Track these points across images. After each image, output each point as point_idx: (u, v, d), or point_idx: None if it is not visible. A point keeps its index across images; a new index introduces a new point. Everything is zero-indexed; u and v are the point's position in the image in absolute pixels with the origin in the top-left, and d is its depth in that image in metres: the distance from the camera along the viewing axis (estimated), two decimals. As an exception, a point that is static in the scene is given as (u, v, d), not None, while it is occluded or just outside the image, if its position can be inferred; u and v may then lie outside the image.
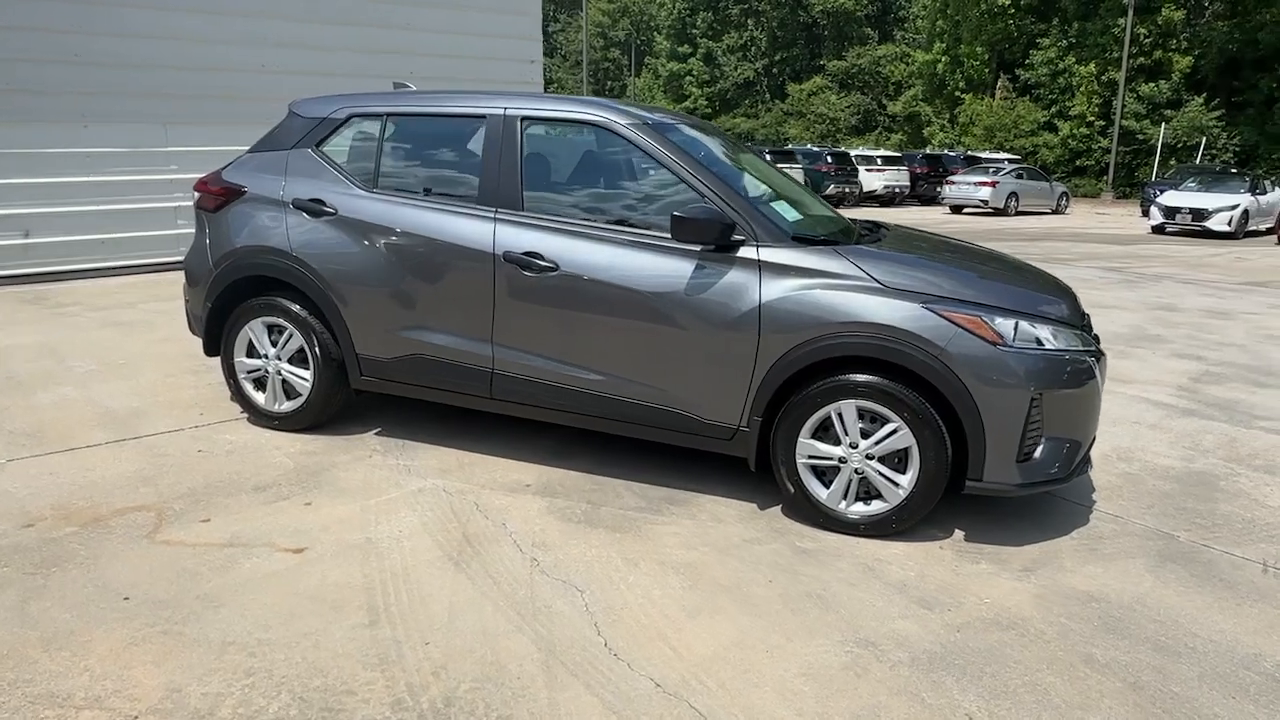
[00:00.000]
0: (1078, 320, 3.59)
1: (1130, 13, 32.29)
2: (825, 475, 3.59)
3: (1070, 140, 36.65)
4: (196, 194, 4.54)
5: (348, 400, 4.46)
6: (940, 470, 3.39)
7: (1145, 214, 25.92)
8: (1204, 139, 32.64)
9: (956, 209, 26.02)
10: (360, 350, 4.17)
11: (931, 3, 44.78)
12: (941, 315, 3.32)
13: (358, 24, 10.04)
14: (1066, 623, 2.98)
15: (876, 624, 2.93)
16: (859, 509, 3.55)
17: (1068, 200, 28.00)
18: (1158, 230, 20.72)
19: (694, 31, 57.84)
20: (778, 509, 3.78)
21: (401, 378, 4.16)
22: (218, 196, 4.40)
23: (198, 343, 5.60)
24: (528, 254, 3.78)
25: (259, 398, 4.46)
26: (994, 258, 4.15)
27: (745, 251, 3.54)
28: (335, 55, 9.88)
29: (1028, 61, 38.86)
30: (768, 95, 55.14)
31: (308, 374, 4.31)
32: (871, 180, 28.08)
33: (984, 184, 25.17)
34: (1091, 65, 35.82)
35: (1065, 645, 2.84)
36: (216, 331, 4.49)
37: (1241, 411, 5.50)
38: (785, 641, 2.80)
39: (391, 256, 4.00)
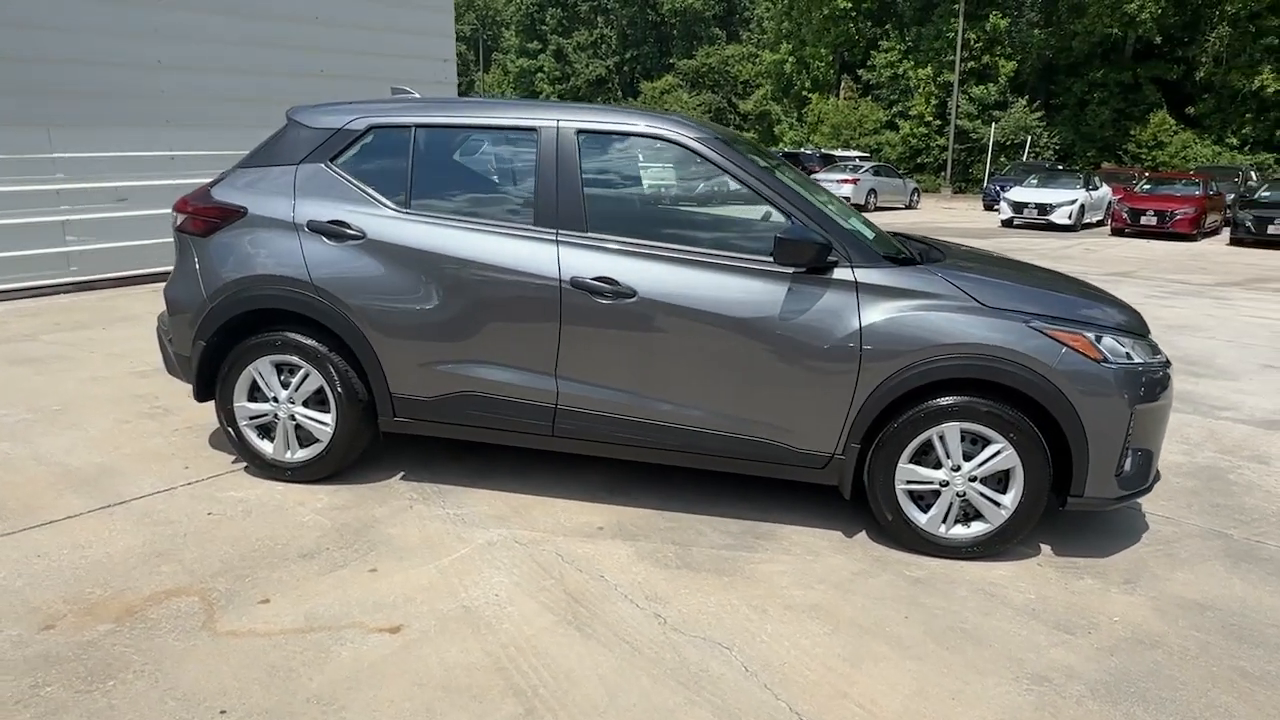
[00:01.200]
0: (1145, 331, 3.67)
1: (961, 19, 34.58)
2: (923, 499, 3.51)
3: (911, 138, 38.83)
4: (177, 215, 3.93)
5: (367, 446, 4.00)
6: (1043, 489, 3.38)
7: (988, 208, 27.93)
8: (1029, 138, 35.41)
9: (819, 206, 26.95)
10: (395, 389, 3.73)
11: (775, 5, 46.34)
12: (1047, 334, 3.31)
13: (264, 17, 9.16)
14: (1199, 635, 3.02)
15: (1034, 655, 2.86)
16: (959, 531, 3.49)
17: (918, 196, 29.64)
18: (1007, 224, 22.24)
19: (544, 28, 57.32)
20: (864, 535, 3.68)
21: (446, 417, 3.75)
22: (209, 219, 3.82)
23: (138, 380, 4.95)
24: (600, 279, 3.48)
25: (265, 447, 3.92)
26: (1048, 271, 4.20)
27: (840, 273, 3.40)
28: (237, 49, 8.98)
29: (869, 63, 40.89)
30: (620, 93, 55.38)
31: (328, 418, 3.82)
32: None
33: (846, 181, 26.21)
34: (928, 68, 38.10)
35: (1214, 660, 2.88)
36: (210, 373, 3.91)
37: (1199, 403, 5.89)
38: (963, 685, 2.69)
39: (434, 285, 3.59)
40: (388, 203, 3.69)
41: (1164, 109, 33.22)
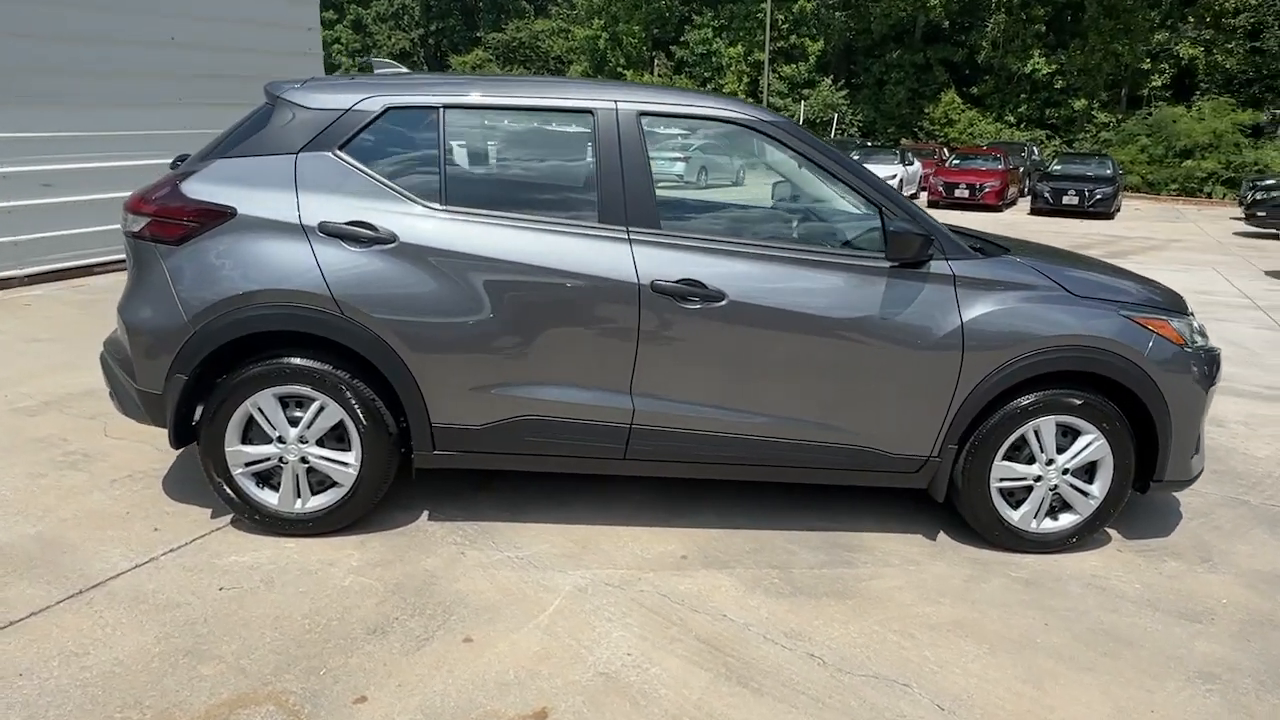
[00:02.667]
0: (1190, 312, 3.76)
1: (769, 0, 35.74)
2: (1013, 496, 3.41)
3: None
4: (133, 217, 3.13)
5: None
6: (1129, 477, 3.38)
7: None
8: (836, 115, 37.28)
9: (652, 183, 27.08)
10: (438, 419, 3.17)
11: (586, -21, 45.92)
12: (1138, 322, 3.28)
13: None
14: (1301, 609, 3.12)
15: (1185, 651, 2.83)
16: (1049, 525, 3.43)
17: (744, 173, 30.46)
18: (834, 198, 23.26)
19: (338, -4, 53.77)
20: (945, 536, 3.55)
21: (501, 447, 3.24)
22: (183, 222, 3.06)
23: (29, 420, 4.15)
24: (684, 282, 3.10)
25: (267, 497, 3.23)
26: (1087, 257, 4.20)
27: (936, 266, 3.21)
28: (74, 11, 7.55)
29: (682, 40, 41.45)
30: (425, 67, 53.08)
31: (349, 457, 3.20)
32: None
33: (678, 159, 26.43)
34: (739, 47, 39.14)
35: (1333, 634, 2.97)
36: (188, 412, 3.17)
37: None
38: (1148, 695, 2.61)
39: (486, 295, 3.06)
40: (419, 199, 3.10)
41: (952, 89, 35.91)
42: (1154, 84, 32.56)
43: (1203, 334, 3.51)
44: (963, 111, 35.90)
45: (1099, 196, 19.56)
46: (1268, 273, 11.43)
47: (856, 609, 2.99)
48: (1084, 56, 32.53)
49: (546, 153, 3.38)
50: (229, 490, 3.20)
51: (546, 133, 3.38)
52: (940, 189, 21.96)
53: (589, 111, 3.18)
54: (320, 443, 3.19)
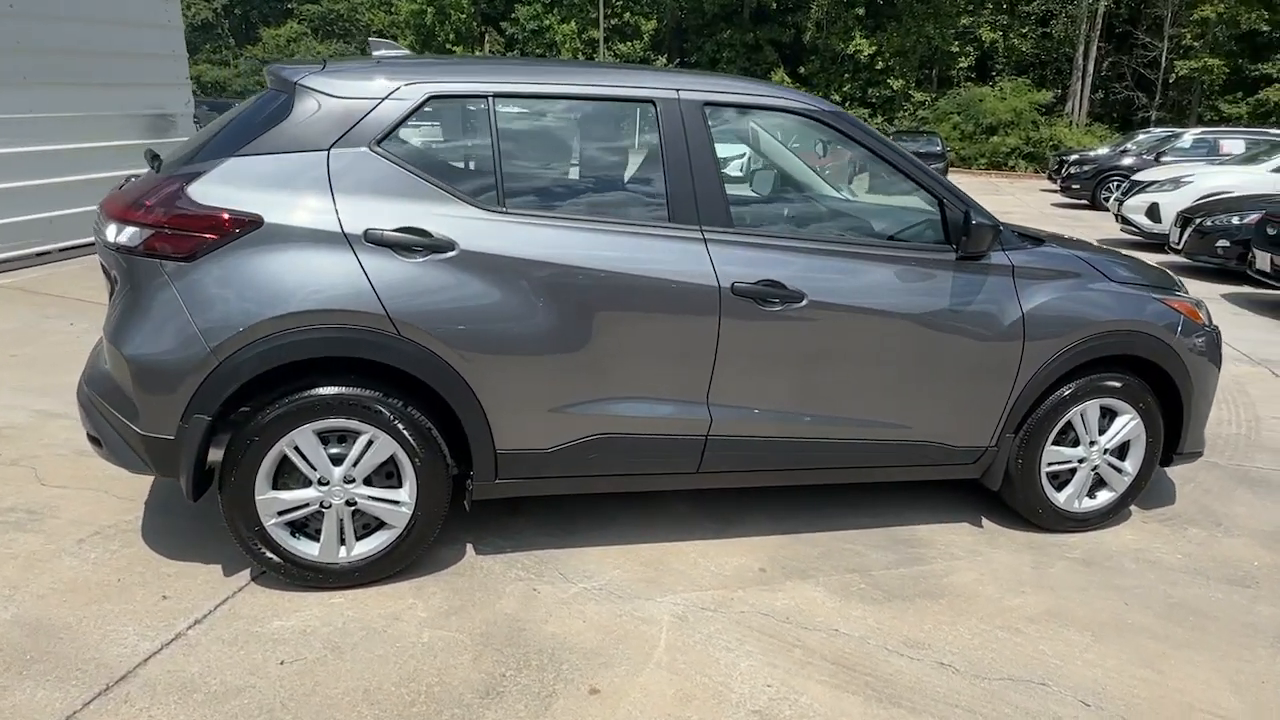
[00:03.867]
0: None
1: (602, -24, 35.51)
2: (1057, 478, 3.49)
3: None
4: (125, 228, 2.59)
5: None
6: (1157, 453, 3.54)
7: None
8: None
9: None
10: (503, 444, 2.85)
11: (406, -50, 43.91)
12: (1172, 306, 3.42)
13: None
14: (1318, 564, 3.38)
15: (1256, 619, 2.99)
16: (1088, 504, 3.55)
17: (750, 166, 30.20)
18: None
19: (123, -42, 48.65)
20: (987, 521, 3.59)
21: (569, 470, 2.96)
22: (196, 233, 2.56)
23: None
24: (764, 283, 2.93)
25: (306, 548, 2.80)
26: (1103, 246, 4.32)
27: (996, 256, 3.21)
28: None
29: (512, 15, 40.51)
30: (233, 40, 49.11)
31: (403, 495, 2.82)
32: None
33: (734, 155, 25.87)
34: (572, 23, 38.70)
35: (1357, 586, 3.23)
36: (204, 456, 2.68)
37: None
38: (1249, 665, 2.73)
39: (555, 306, 2.77)
40: (474, 201, 2.75)
41: (782, 68, 37.15)
42: (961, 65, 35.00)
43: (1209, 314, 3.72)
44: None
45: (933, 172, 20.81)
46: (1099, 240, 12.52)
47: (953, 608, 2.96)
48: (900, 39, 34.51)
49: (607, 147, 3.09)
50: (260, 545, 2.75)
51: (605, 125, 3.09)
52: (787, 166, 22.70)
53: (650, 101, 2.93)
54: (368, 481, 2.80)
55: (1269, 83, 29.18)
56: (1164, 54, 32.61)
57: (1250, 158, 12.14)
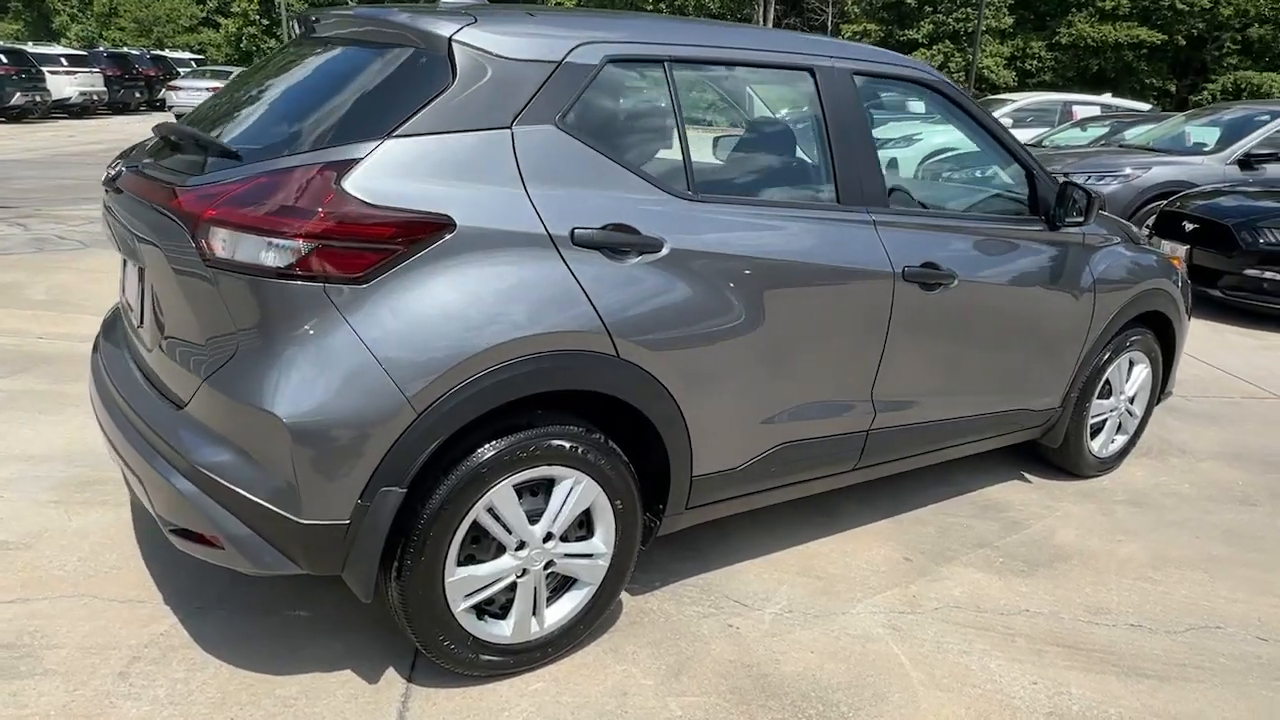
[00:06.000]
0: None
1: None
2: (1093, 429, 3.76)
3: (239, 39, 35.23)
4: (280, 242, 1.82)
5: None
6: (1156, 395, 3.94)
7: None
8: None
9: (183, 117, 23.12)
10: (701, 468, 2.46)
11: None
12: (1172, 262, 3.79)
13: None
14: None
15: (1284, 532, 3.46)
16: (1111, 448, 3.87)
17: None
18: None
19: None
20: (1030, 475, 3.80)
21: (752, 486, 2.64)
22: (379, 240, 1.87)
23: None
24: (926, 265, 2.79)
25: (498, 629, 2.23)
26: None
27: (1071, 226, 3.33)
28: None
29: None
30: None
31: (599, 544, 2.33)
32: (62, 86, 22.73)
33: (217, 89, 22.79)
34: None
35: (1316, 491, 3.85)
36: (394, 540, 2.02)
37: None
38: (1324, 576, 3.15)
39: (753, 305, 2.42)
40: (667, 188, 2.30)
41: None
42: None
43: None
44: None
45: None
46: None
47: (1087, 567, 3.09)
48: None
49: (771, 121, 2.72)
50: (448, 639, 2.15)
51: (768, 96, 2.72)
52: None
53: (810, 70, 2.62)
54: (563, 536, 2.28)
55: (915, 47, 33.62)
56: (830, 18, 36.28)
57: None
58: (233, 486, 1.91)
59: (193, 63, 29.56)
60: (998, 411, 3.26)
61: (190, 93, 22.76)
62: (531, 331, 2.02)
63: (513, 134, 2.08)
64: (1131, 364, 3.76)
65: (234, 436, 1.92)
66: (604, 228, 2.15)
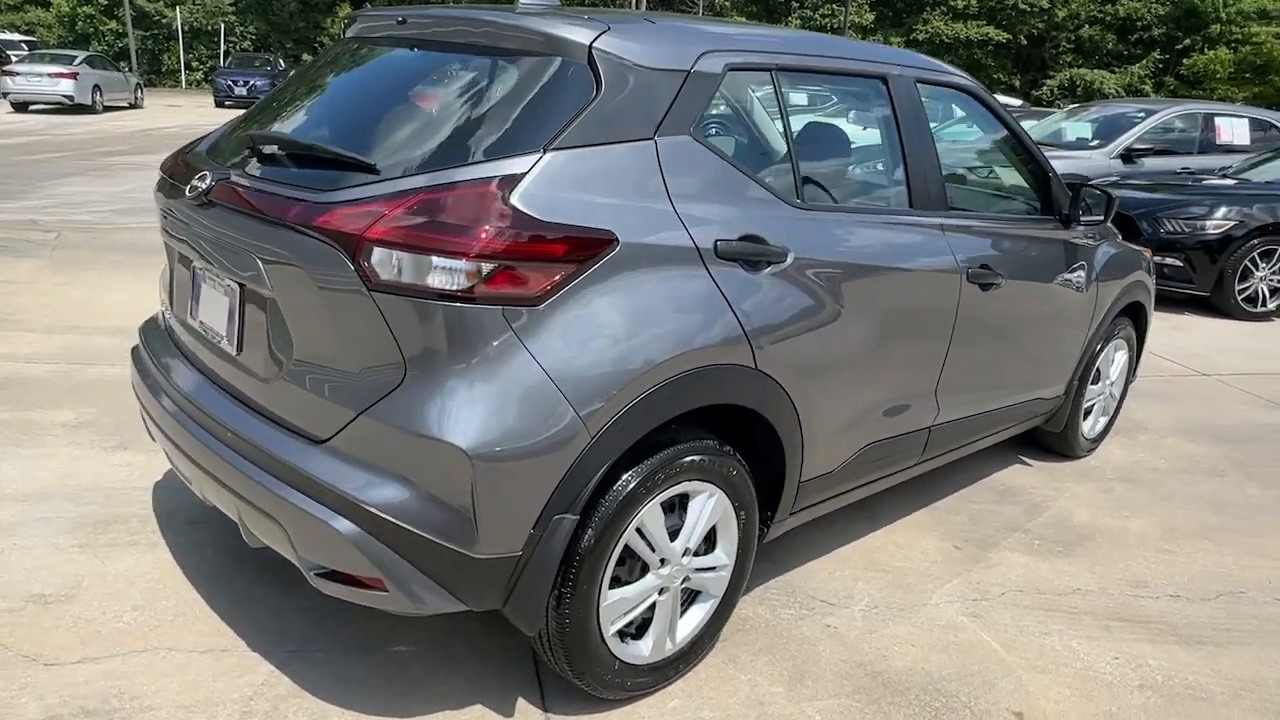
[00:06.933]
0: None
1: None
2: (1086, 411, 4.02)
3: (74, 19, 32.44)
4: (462, 263, 1.71)
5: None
6: (1130, 377, 4.26)
7: (220, 104, 25.65)
8: (223, 25, 33.15)
9: (23, 106, 21.11)
10: (808, 473, 2.48)
11: None
12: (1145, 254, 4.09)
13: None
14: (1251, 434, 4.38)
15: (1258, 500, 3.81)
16: (1097, 429, 4.14)
17: (142, 92, 25.41)
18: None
19: None
20: (1029, 460, 4.02)
21: (842, 487, 2.69)
22: (555, 260, 1.78)
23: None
24: (984, 267, 2.92)
25: (637, 651, 2.17)
26: None
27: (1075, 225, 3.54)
28: None
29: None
30: None
31: (722, 555, 2.31)
32: None
33: (63, 75, 20.90)
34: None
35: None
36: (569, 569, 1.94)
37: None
38: (1304, 538, 3.50)
39: (856, 310, 2.46)
40: (782, 196, 2.30)
41: (348, 3, 34.60)
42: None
43: None
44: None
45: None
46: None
47: (1112, 543, 3.31)
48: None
49: (859, 127, 2.74)
50: (599, 667, 2.09)
51: (850, 103, 2.74)
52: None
53: (883, 78, 2.68)
54: (696, 551, 2.26)
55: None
56: (701, 9, 36.82)
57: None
58: (403, 523, 1.79)
59: (24, 45, 27.05)
60: (1023, 401, 3.44)
61: (31, 79, 20.67)
62: (693, 347, 1.99)
63: (656, 145, 2.03)
64: (1114, 351, 4.04)
65: (402, 470, 1.79)
66: (741, 239, 2.14)
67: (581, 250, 1.85)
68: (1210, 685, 2.51)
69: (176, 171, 2.34)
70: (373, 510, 1.79)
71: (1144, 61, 35.53)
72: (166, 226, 2.35)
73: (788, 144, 2.36)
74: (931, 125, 2.85)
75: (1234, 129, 9.85)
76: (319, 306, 1.84)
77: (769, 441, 2.34)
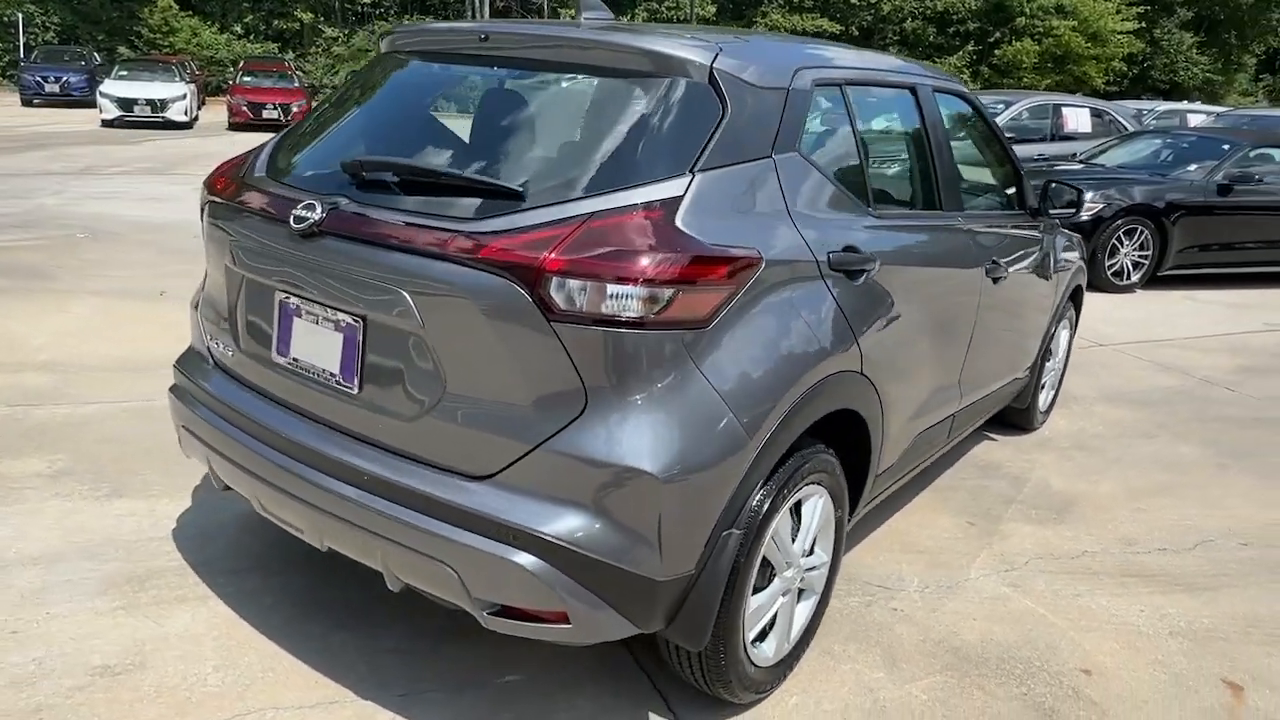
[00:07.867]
0: None
1: None
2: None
3: None
4: (643, 290, 1.69)
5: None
6: (1068, 353, 4.68)
7: (27, 102, 23.31)
8: (21, 16, 30.04)
9: None
10: (882, 465, 2.62)
11: None
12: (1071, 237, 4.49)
13: None
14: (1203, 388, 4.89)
15: (1194, 457, 4.28)
16: (1046, 402, 4.52)
17: None
18: (112, 124, 19.31)
19: None
20: (997, 434, 4.34)
21: (894, 478, 2.87)
22: (719, 282, 1.80)
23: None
24: (994, 261, 3.14)
25: (765, 653, 2.23)
26: None
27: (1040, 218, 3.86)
28: None
29: None
30: None
31: (824, 554, 2.40)
32: None
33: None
34: None
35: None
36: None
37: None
38: (1236, 478, 3.97)
39: (920, 311, 2.62)
40: (862, 205, 2.41)
41: (170, -8, 32.12)
42: (365, 2, 34.50)
43: None
44: (183, 19, 32.64)
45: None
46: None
47: (1094, 506, 3.65)
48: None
49: (895, 134, 2.86)
50: (740, 672, 2.13)
51: (892, 114, 2.86)
52: (246, 109, 20.36)
53: (913, 89, 2.84)
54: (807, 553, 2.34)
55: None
56: (547, 4, 36.58)
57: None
58: (587, 552, 1.77)
59: None
60: (1009, 382, 3.72)
61: None
62: (828, 357, 2.08)
63: (775, 162, 2.09)
64: (1061, 330, 4.42)
65: (582, 499, 1.77)
66: (844, 250, 2.23)
67: (738, 270, 1.88)
68: (1223, 626, 2.84)
69: (251, 199, 2.18)
70: (555, 541, 1.77)
71: (960, 53, 38.25)
72: (240, 256, 2.18)
73: (860, 155, 2.47)
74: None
75: (1078, 118, 10.86)
76: (482, 339, 1.79)
77: (857, 440, 2.45)
